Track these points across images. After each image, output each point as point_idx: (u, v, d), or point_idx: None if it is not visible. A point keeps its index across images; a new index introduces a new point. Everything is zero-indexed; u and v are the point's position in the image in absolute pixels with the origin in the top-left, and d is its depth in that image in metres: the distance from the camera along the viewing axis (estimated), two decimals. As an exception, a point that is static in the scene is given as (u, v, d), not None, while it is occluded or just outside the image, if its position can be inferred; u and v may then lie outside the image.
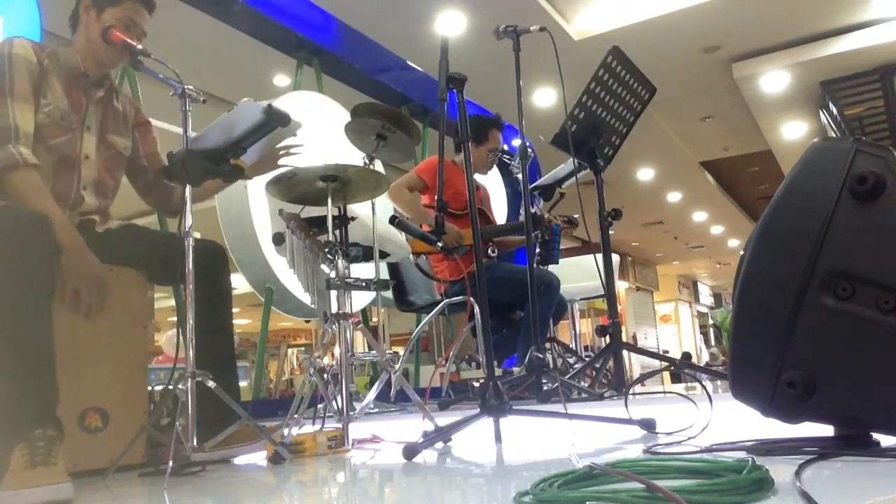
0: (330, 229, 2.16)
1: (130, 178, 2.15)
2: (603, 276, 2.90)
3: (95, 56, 1.92)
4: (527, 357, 2.82)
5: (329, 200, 2.16)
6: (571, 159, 3.21)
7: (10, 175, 1.70)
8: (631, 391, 3.08)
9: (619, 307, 4.12)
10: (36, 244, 1.53)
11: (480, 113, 5.75)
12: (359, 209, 2.52)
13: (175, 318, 2.08)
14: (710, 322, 20.18)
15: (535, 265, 3.09)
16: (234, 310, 2.12)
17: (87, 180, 1.91)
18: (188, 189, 1.77)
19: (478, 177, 3.96)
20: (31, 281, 1.50)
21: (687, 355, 16.02)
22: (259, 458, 1.88)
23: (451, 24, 6.01)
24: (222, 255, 2.08)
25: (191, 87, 1.80)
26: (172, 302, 3.28)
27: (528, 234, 2.91)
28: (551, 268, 3.62)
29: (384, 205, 3.06)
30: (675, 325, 18.56)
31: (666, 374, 6.39)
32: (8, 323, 1.46)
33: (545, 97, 7.36)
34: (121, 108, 2.05)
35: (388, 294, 3.79)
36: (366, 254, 2.46)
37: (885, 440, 1.14)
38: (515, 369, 3.94)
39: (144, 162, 2.12)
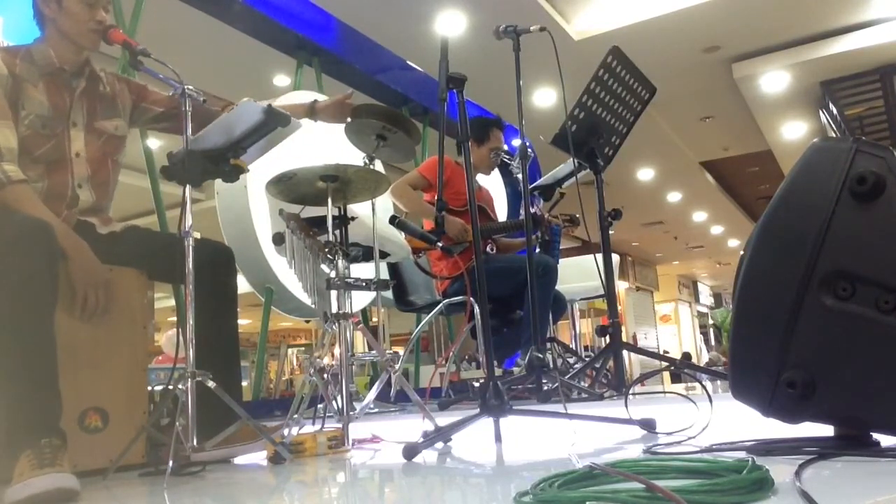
0: (330, 229, 2.16)
1: (179, 131, 2.11)
2: (603, 276, 2.90)
3: (73, 46, 1.89)
4: (529, 350, 2.82)
5: (329, 200, 2.16)
6: (571, 159, 3.21)
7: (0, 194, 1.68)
8: (631, 391, 3.08)
9: (619, 307, 4.13)
10: (37, 251, 1.52)
11: (481, 113, 5.76)
12: (359, 209, 2.52)
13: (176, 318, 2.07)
14: (710, 322, 20.18)
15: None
16: (235, 310, 2.12)
17: (81, 177, 1.89)
18: (188, 189, 1.77)
19: (481, 179, 3.96)
20: (33, 289, 1.50)
21: (687, 355, 16.02)
22: (259, 458, 1.88)
23: (451, 24, 6.01)
24: (230, 258, 2.07)
25: (191, 87, 1.80)
26: (173, 302, 3.28)
27: (528, 234, 2.92)
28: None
29: (384, 205, 3.06)
30: (675, 325, 18.56)
31: (666, 375, 6.39)
32: (11, 332, 1.46)
33: (545, 97, 7.36)
34: (108, 90, 2.01)
35: (388, 294, 3.79)
36: (366, 254, 2.46)
37: (885, 440, 1.14)
38: (515, 369, 3.94)
39: (171, 112, 2.09)
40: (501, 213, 5.80)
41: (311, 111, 2.24)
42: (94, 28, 1.87)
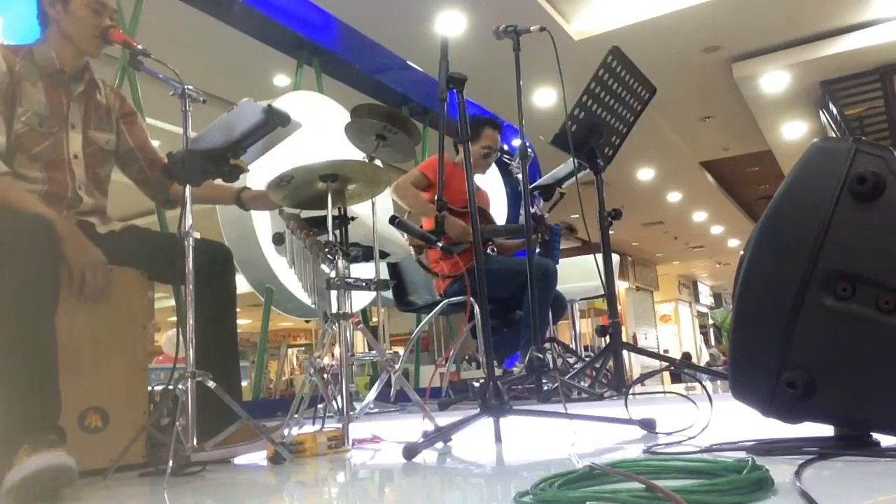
0: (330, 229, 2.16)
1: (123, 169, 2.12)
2: (603, 276, 2.90)
3: (74, 49, 1.89)
4: (529, 351, 2.82)
5: (329, 200, 2.16)
6: (571, 159, 3.21)
7: None
8: (631, 391, 3.08)
9: (619, 307, 4.12)
10: (40, 250, 1.53)
11: (481, 113, 5.75)
12: (359, 209, 2.52)
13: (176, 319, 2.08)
14: (710, 322, 20.18)
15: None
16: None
17: (80, 179, 1.90)
18: (188, 189, 1.77)
19: (478, 179, 3.96)
20: (35, 288, 1.50)
21: (687, 355, 16.02)
22: (259, 458, 1.88)
23: (451, 24, 6.01)
24: (228, 257, 2.07)
25: (191, 87, 1.80)
26: (173, 302, 3.28)
27: (528, 234, 2.92)
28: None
29: (384, 205, 3.06)
30: (675, 325, 18.57)
31: (666, 374, 6.39)
32: (12, 331, 1.46)
33: (545, 97, 7.36)
34: (104, 101, 2.01)
35: (388, 294, 3.79)
36: (366, 254, 2.46)
37: (885, 440, 1.14)
38: (515, 369, 3.94)
39: (137, 154, 2.09)
40: (501, 213, 5.81)
41: (239, 199, 2.18)
42: (97, 35, 1.86)
